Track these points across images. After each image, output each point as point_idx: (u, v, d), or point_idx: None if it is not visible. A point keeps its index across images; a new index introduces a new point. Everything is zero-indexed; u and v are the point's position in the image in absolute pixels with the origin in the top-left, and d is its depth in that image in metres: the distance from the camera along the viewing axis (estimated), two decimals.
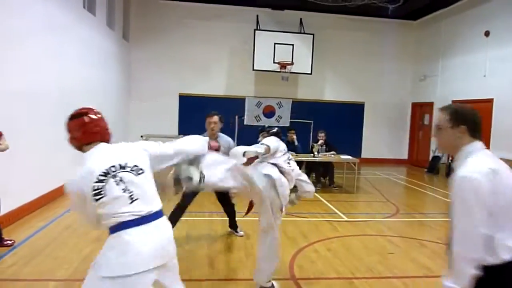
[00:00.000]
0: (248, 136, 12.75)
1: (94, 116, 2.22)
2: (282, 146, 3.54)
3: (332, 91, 13.28)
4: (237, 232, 5.18)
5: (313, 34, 12.21)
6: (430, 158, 12.06)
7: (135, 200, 2.05)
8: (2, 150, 4.24)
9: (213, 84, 12.75)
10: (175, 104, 12.69)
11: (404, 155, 13.72)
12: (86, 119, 2.19)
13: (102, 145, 2.21)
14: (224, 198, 4.99)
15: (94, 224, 2.12)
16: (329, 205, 7.16)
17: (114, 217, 2.01)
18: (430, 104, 12.52)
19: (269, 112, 12.96)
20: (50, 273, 3.82)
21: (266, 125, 3.72)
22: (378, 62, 13.41)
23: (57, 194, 6.38)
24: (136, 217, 2.03)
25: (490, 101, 9.83)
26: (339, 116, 13.13)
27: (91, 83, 8.37)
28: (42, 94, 6.11)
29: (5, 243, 4.40)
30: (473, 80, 10.51)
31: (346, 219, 6.27)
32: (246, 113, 12.84)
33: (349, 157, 8.60)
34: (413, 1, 10.97)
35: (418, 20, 13.12)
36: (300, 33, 12.41)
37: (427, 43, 12.92)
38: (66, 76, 7.00)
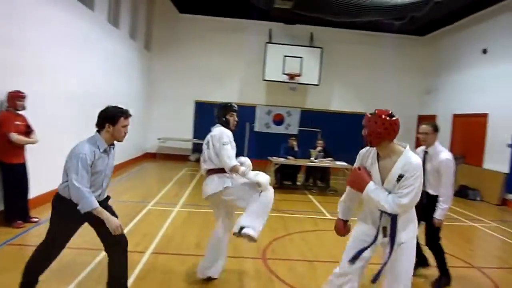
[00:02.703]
0: (257, 142, 13.63)
1: None
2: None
3: (339, 102, 13.93)
4: None
5: (322, 48, 12.96)
6: None
7: None
8: (33, 143, 5.22)
9: (227, 92, 13.63)
10: (191, 109, 13.66)
11: None
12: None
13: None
14: None
15: None
16: (318, 205, 7.85)
17: None
18: (434, 117, 12.98)
19: (278, 120, 13.74)
20: None
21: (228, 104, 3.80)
22: (385, 75, 13.98)
23: None
24: None
25: (484, 115, 10.28)
26: (346, 125, 13.75)
27: (115, 89, 9.43)
28: (75, 97, 7.22)
29: (31, 220, 5.32)
30: (471, 95, 10.98)
31: (329, 217, 6.96)
32: (256, 120, 13.67)
33: (344, 163, 9.26)
34: (417, 19, 11.53)
35: (425, 36, 13.64)
36: (310, 46, 13.19)
37: (432, 59, 13.44)
38: (94, 83, 8.09)
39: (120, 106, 3.10)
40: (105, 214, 2.88)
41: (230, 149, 3.58)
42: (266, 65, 12.80)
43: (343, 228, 3.04)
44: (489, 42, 10.37)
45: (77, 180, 2.80)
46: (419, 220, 4.46)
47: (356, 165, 2.89)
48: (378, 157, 2.73)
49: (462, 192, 10.08)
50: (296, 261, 4.63)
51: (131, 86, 10.92)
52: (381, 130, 2.60)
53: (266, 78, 12.89)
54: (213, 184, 3.67)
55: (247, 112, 13.54)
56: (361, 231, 2.90)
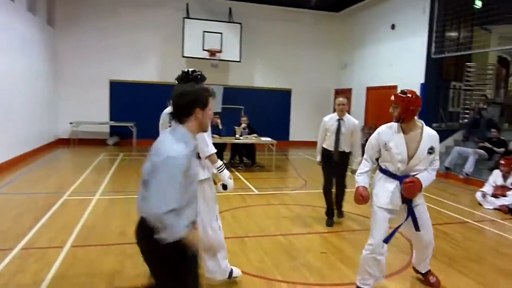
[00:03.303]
0: None
1: None
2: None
3: (261, 78, 13.99)
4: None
5: (241, 23, 12.79)
6: None
7: None
8: None
9: (145, 71, 12.96)
10: (106, 90, 12.76)
11: None
12: None
13: None
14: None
15: None
16: (246, 182, 7.89)
17: None
18: (349, 90, 13.69)
19: None
20: None
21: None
22: (304, 51, 14.29)
23: None
24: None
25: (394, 87, 11.05)
26: (268, 101, 13.94)
27: (12, 69, 8.38)
28: None
29: None
30: (382, 68, 11.73)
31: (257, 192, 7.03)
32: None
33: (268, 139, 9.38)
34: None
35: (340, 12, 14.14)
36: (229, 22, 12.94)
37: (346, 34, 14.02)
38: None
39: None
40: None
41: (207, 135, 3.20)
42: (185, 41, 12.33)
43: (367, 193, 3.24)
44: (397, 18, 11.07)
45: (171, 199, 1.96)
46: (330, 176, 5.40)
47: (374, 139, 3.26)
48: (402, 131, 3.13)
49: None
50: (227, 239, 4.53)
51: (32, 66, 9.79)
52: (413, 108, 3.02)
53: (186, 55, 12.43)
54: (200, 169, 3.17)
55: (168, 91, 12.93)
56: (381, 209, 3.19)
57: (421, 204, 3.28)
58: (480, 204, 6.60)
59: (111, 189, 6.90)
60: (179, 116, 2.16)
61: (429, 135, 3.13)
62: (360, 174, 3.31)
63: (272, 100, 14.06)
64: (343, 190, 5.43)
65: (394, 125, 3.15)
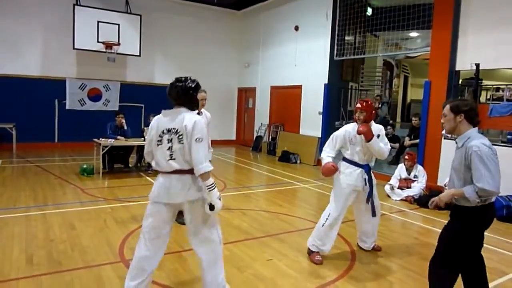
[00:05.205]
0: (71, 122, 11.75)
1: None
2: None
3: (162, 74, 13.18)
4: None
5: (141, 15, 11.89)
6: (254, 137, 13.40)
7: None
8: None
9: (25, 63, 11.16)
10: None
11: (233, 136, 14.79)
12: None
13: None
14: None
15: None
16: None
17: None
18: (253, 89, 13.80)
19: (95, 95, 12.13)
20: None
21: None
22: (206, 48, 13.93)
23: None
24: None
25: (299, 87, 11.46)
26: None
27: None
28: None
29: None
30: (286, 68, 12.03)
31: None
32: (68, 96, 11.73)
33: None
34: None
35: (241, 10, 14.12)
36: (127, 13, 11.91)
37: (249, 33, 14.09)
38: None
39: None
40: None
41: (206, 147, 2.89)
42: (76, 32, 10.94)
43: (337, 166, 4.05)
44: (300, 20, 11.45)
45: None
46: None
47: (342, 134, 4.13)
48: None
49: (284, 157, 11.12)
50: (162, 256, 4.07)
51: None
52: (374, 111, 4.08)
53: (78, 47, 11.05)
54: (193, 187, 2.93)
55: (55, 87, 11.47)
56: (350, 185, 4.05)
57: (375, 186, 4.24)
58: (389, 196, 7.15)
59: (4, 205, 5.68)
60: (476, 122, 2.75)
61: (375, 127, 4.08)
62: (328, 156, 4.11)
63: None
64: None
65: (356, 125, 4.08)
